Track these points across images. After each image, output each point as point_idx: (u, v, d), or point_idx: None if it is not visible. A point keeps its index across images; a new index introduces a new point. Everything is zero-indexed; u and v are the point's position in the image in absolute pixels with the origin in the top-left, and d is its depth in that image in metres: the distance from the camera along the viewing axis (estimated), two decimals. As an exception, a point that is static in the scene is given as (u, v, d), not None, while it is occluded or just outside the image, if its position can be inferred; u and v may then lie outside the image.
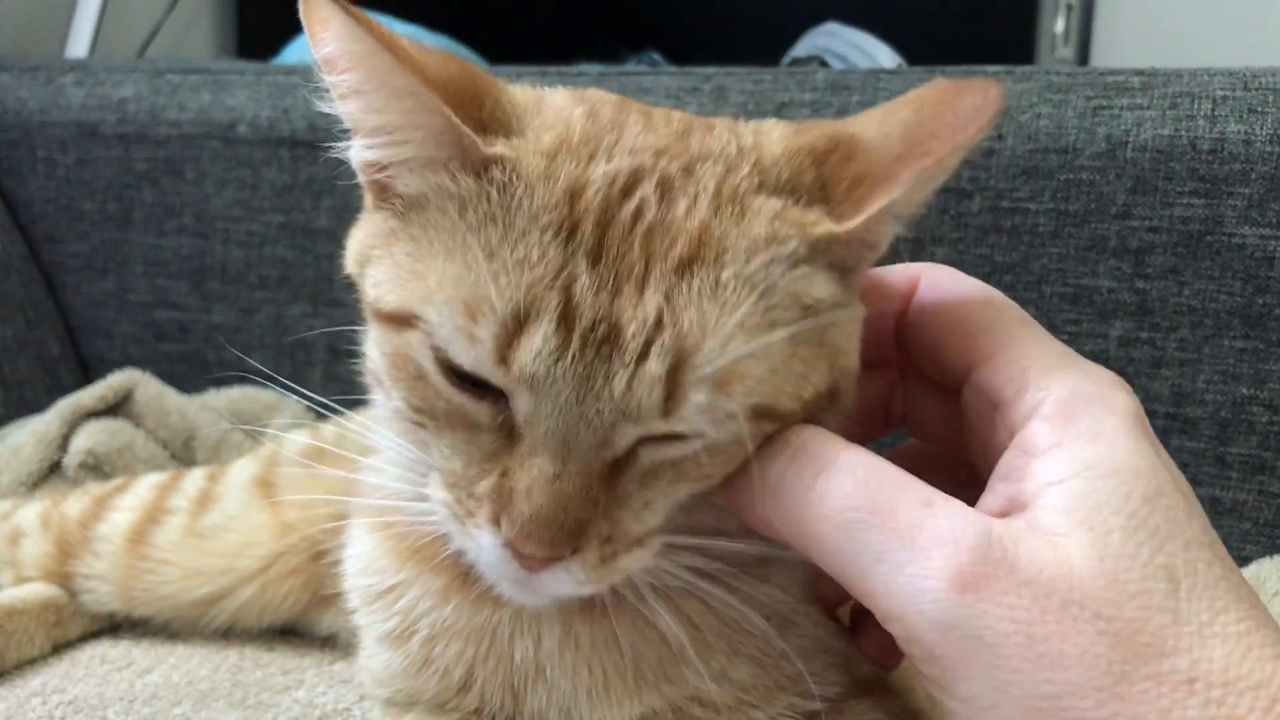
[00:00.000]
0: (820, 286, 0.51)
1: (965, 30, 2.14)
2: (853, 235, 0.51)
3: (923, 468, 0.61)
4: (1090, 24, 2.47)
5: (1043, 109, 1.06)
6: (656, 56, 1.92)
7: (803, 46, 1.88)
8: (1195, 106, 1.02)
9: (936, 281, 0.57)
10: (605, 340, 0.47)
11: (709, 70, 1.23)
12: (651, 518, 0.52)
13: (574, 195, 0.50)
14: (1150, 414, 1.03)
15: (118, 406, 1.22)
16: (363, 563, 0.65)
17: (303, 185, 1.35)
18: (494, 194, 0.50)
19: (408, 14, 1.92)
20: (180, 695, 0.83)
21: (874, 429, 0.63)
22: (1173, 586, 0.45)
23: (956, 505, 0.48)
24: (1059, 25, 2.31)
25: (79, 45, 1.81)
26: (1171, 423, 1.04)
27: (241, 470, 0.98)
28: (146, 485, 0.98)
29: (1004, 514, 0.49)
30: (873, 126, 0.53)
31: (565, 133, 0.52)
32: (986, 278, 1.10)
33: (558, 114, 0.54)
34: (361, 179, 0.57)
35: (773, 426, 0.51)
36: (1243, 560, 1.00)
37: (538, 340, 0.47)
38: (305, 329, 1.38)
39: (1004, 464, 0.51)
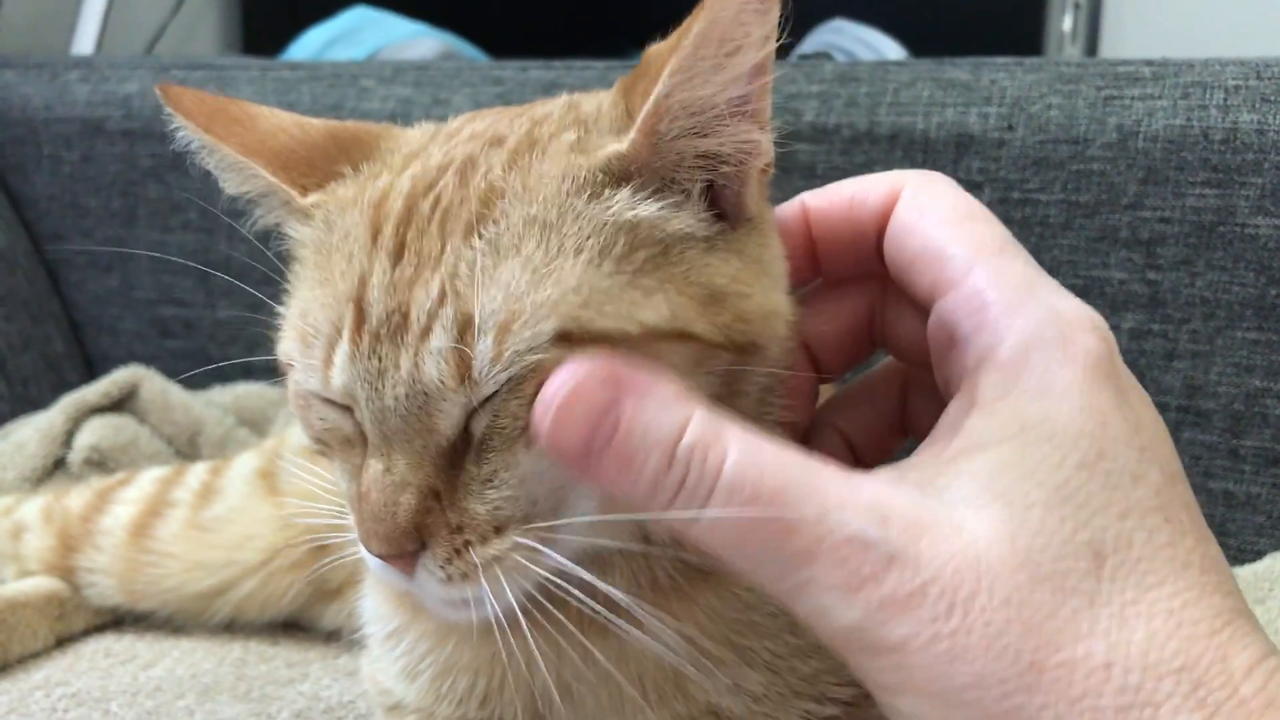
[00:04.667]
0: (642, 210, 0.49)
1: (973, 29, 2.13)
2: (639, 149, 0.49)
3: (909, 385, 0.59)
4: (1098, 22, 2.46)
5: (1053, 99, 1.05)
6: (662, 52, 1.92)
7: (810, 43, 1.87)
8: (1207, 96, 1.01)
9: (917, 195, 0.52)
10: (398, 329, 0.48)
11: (716, 63, 1.22)
12: (497, 496, 0.49)
13: (377, 206, 0.52)
14: (1162, 406, 1.02)
15: (122, 403, 1.21)
16: (371, 610, 0.65)
17: (308, 180, 1.34)
18: (320, 232, 0.54)
19: (413, 11, 1.92)
20: (184, 688, 0.83)
21: (857, 356, 0.59)
22: (1095, 564, 0.42)
23: (852, 506, 0.43)
24: (1066, 23, 2.30)
25: (85, 43, 1.81)
26: (1184, 415, 1.03)
27: (244, 464, 0.97)
28: (149, 479, 0.98)
29: (933, 470, 0.46)
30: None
31: (392, 159, 0.56)
32: (996, 270, 1.10)
33: (406, 142, 0.57)
34: None
35: (593, 350, 0.46)
36: (1256, 554, 0.99)
37: (339, 353, 0.49)
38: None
39: (948, 414, 0.48)
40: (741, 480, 0.43)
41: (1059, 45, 2.26)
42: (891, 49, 1.83)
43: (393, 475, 0.49)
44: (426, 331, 0.47)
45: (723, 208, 0.52)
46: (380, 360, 0.48)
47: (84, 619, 0.93)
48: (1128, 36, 2.42)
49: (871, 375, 0.61)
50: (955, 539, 0.42)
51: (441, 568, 0.49)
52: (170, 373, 1.27)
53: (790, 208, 0.56)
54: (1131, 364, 1.03)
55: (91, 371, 1.44)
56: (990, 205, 1.05)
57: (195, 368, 1.39)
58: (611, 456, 0.44)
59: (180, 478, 0.97)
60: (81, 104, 1.43)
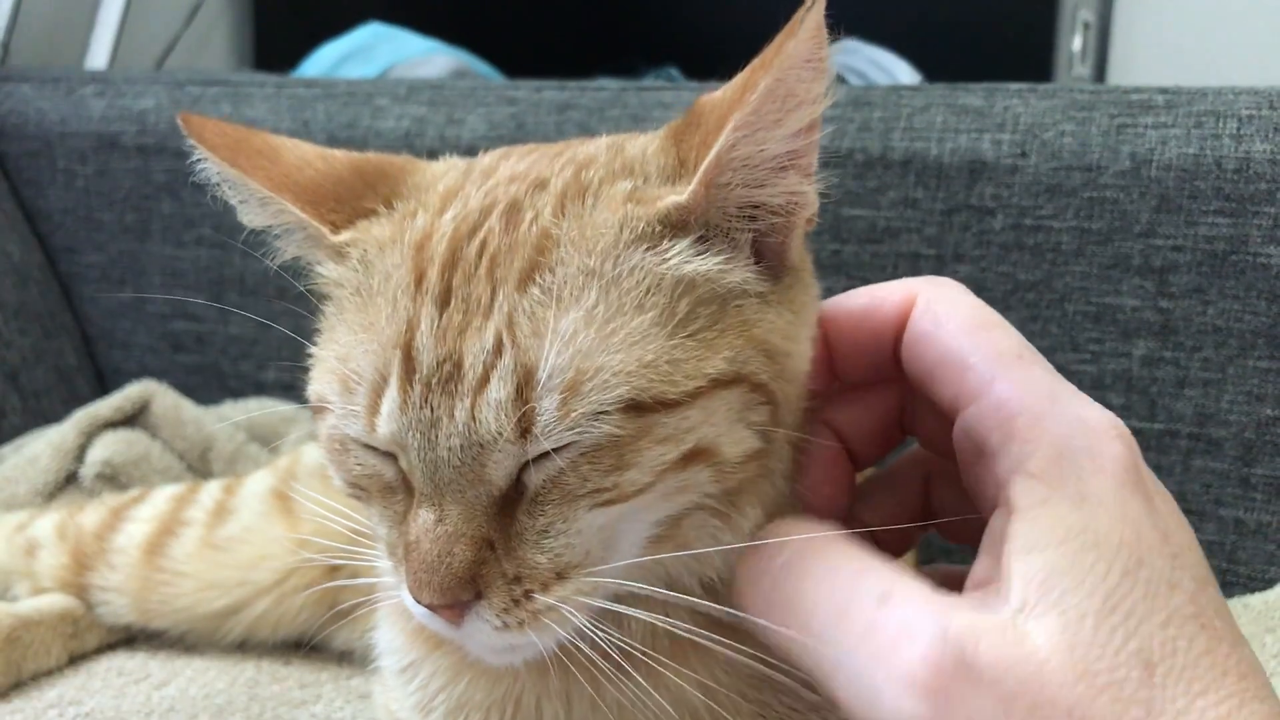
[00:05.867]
0: (700, 264, 0.50)
1: (983, 48, 2.13)
2: (699, 200, 0.50)
3: (931, 475, 0.60)
4: (1107, 42, 2.47)
5: (1066, 126, 1.06)
6: (675, 72, 1.92)
7: (821, 63, 1.88)
8: (1220, 125, 1.01)
9: (931, 304, 0.53)
10: (450, 379, 0.47)
11: (729, 85, 1.23)
12: (556, 544, 0.49)
13: (419, 248, 0.51)
14: (1173, 434, 1.03)
15: (134, 417, 1.21)
16: (384, 644, 0.65)
17: (321, 197, 1.35)
18: (357, 273, 0.53)
19: (427, 28, 1.93)
20: (197, 709, 0.83)
21: (888, 445, 0.61)
22: (1147, 674, 0.43)
23: (914, 598, 0.45)
24: (1076, 43, 2.31)
25: (99, 56, 1.82)
26: (1195, 443, 1.03)
27: (258, 482, 0.98)
28: (163, 497, 0.98)
29: (991, 579, 0.47)
30: (722, 89, 0.51)
31: (427, 197, 0.55)
32: (1009, 296, 1.10)
33: (437, 179, 0.56)
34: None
35: (665, 414, 0.48)
36: (1268, 582, 0.99)
37: (387, 401, 0.49)
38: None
39: (992, 528, 0.49)
40: (814, 559, 0.48)
41: (1068, 64, 2.27)
42: (902, 69, 1.83)
43: (445, 525, 0.49)
44: (483, 382, 0.47)
45: (767, 257, 0.53)
46: (433, 410, 0.48)
47: (97, 637, 0.94)
48: (1137, 56, 2.42)
49: (894, 466, 0.62)
50: (1016, 648, 0.43)
51: (498, 616, 0.49)
52: (182, 387, 1.27)
53: None
54: (1143, 391, 1.04)
55: (103, 385, 1.45)
56: (1003, 231, 1.06)
57: (207, 382, 1.39)
58: None
59: (194, 496, 0.97)
60: (96, 119, 1.44)
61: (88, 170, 1.44)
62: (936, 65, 1.86)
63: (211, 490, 0.98)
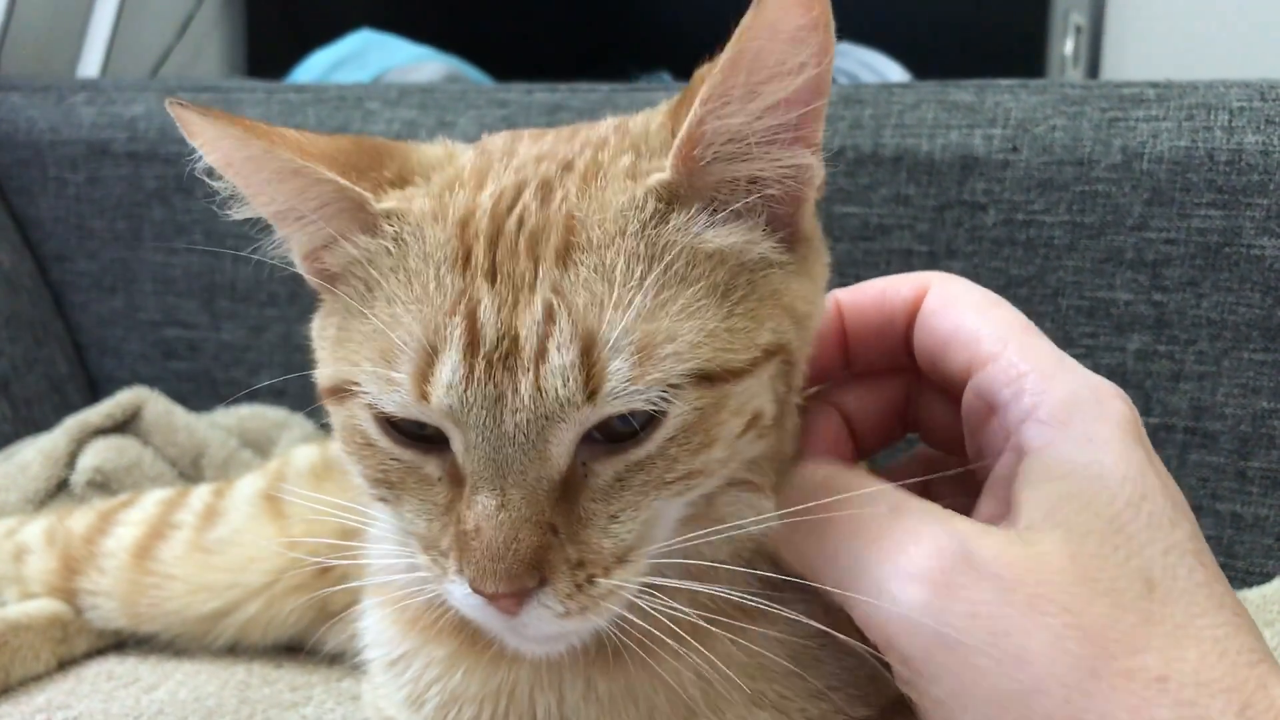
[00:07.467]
0: (718, 236, 0.51)
1: (975, 54, 2.13)
2: (680, 175, 0.50)
3: (933, 475, 0.61)
4: (1099, 46, 2.47)
5: (1058, 121, 1.06)
6: (666, 75, 1.92)
7: (813, 66, 1.87)
8: (1212, 118, 1.01)
9: (945, 289, 0.57)
10: (509, 354, 0.47)
11: (720, 86, 1.23)
12: (623, 529, 0.49)
13: (464, 224, 0.51)
14: (1169, 428, 1.03)
15: (126, 424, 1.21)
16: (372, 635, 0.65)
17: (312, 202, 1.34)
18: (392, 247, 0.51)
19: (418, 34, 1.92)
20: (187, 712, 0.82)
21: (891, 435, 0.63)
22: (1147, 589, 0.46)
23: (923, 509, 0.49)
24: (1068, 47, 2.30)
25: (91, 65, 1.82)
26: (1191, 437, 1.02)
27: (248, 485, 0.97)
28: (152, 500, 0.98)
29: (998, 516, 0.50)
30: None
31: (455, 173, 0.54)
32: (1002, 291, 1.08)
33: (455, 159, 0.56)
34: (305, 276, 0.58)
35: (735, 384, 0.49)
36: (1265, 576, 0.99)
37: (446, 370, 0.48)
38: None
39: (1000, 466, 0.52)
40: (827, 478, 0.53)
41: (1060, 69, 2.27)
42: (895, 72, 1.83)
43: (509, 511, 0.48)
44: (541, 353, 0.47)
45: (779, 226, 0.53)
46: (497, 386, 0.47)
47: (86, 641, 0.93)
48: (1129, 61, 2.42)
49: (896, 465, 0.65)
50: (1019, 548, 0.46)
51: (562, 602, 0.49)
52: (174, 395, 1.26)
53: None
54: (1138, 385, 1.04)
55: (95, 393, 1.44)
56: (995, 227, 1.06)
57: (199, 390, 1.39)
58: None
59: (183, 499, 0.97)
60: (87, 126, 1.43)
61: (78, 178, 1.44)
62: (929, 71, 1.85)
63: (201, 493, 0.97)
